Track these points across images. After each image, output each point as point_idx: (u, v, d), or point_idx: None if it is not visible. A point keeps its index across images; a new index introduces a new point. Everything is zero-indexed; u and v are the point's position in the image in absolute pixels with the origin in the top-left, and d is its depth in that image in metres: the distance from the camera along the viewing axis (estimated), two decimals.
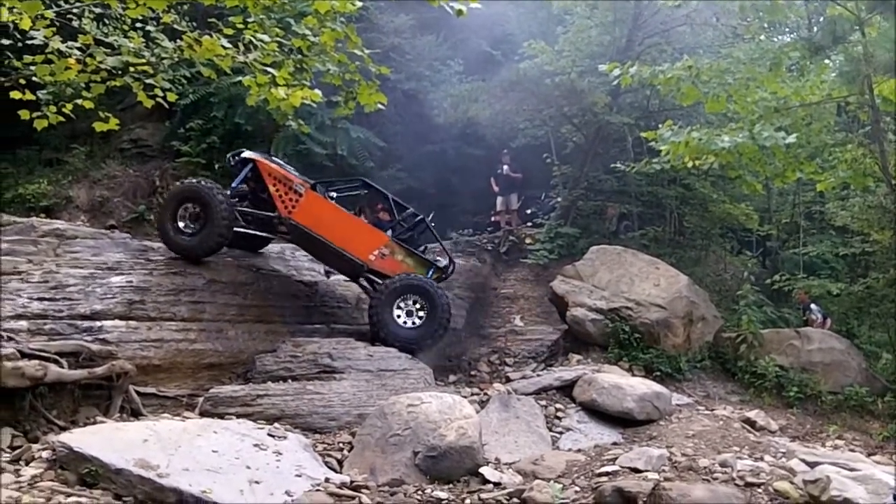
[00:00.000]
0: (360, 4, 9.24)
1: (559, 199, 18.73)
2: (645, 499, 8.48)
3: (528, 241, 18.27)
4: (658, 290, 13.99)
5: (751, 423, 11.81)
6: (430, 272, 13.36)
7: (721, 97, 12.06)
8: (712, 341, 14.30)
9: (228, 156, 14.12)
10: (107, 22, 12.45)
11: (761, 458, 9.89)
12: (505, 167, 19.44)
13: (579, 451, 10.60)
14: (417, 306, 12.82)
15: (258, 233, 13.77)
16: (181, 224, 12.80)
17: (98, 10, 11.82)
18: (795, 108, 12.33)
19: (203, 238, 12.62)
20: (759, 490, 8.80)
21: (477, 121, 19.23)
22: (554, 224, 18.02)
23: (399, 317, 12.79)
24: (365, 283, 13.66)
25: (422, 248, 13.89)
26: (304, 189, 13.07)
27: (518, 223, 19.45)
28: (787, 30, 18.63)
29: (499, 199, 19.59)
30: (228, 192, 12.98)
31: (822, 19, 14.52)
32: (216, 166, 17.39)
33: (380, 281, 13.04)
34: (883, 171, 12.48)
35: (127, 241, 13.47)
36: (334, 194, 13.66)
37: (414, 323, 12.78)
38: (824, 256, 18.58)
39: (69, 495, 7.62)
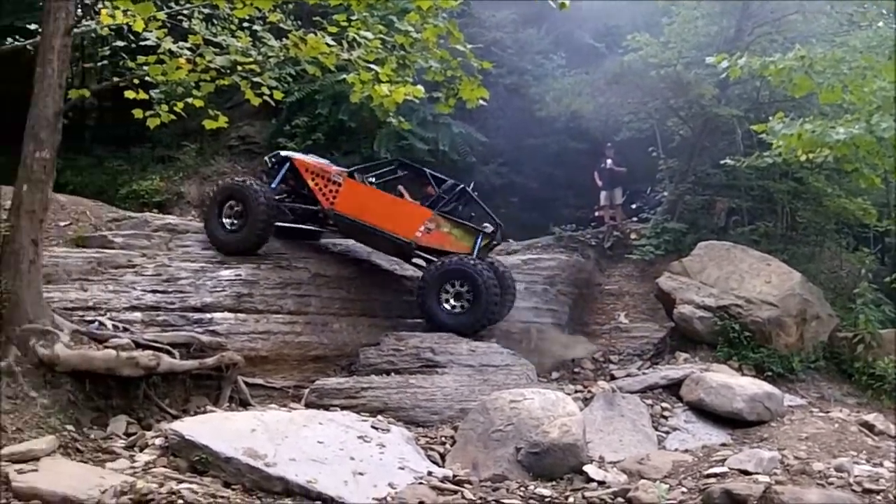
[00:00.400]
0: None
1: (665, 194, 18.38)
2: (755, 502, 8.24)
3: (633, 236, 17.97)
4: (769, 288, 13.57)
5: (869, 426, 11.32)
6: (479, 239, 13.23)
7: (836, 87, 11.58)
8: (827, 341, 13.80)
9: (266, 158, 14.39)
10: (215, 22, 12.71)
11: (880, 464, 9.51)
12: (608, 161, 19.17)
13: (686, 451, 10.41)
14: (465, 289, 12.70)
15: (309, 227, 14.00)
16: (226, 221, 13.08)
17: (207, 11, 12.10)
18: None
19: (244, 235, 12.88)
20: (879, 497, 8.47)
21: (580, 114, 19.00)
22: (660, 219, 17.69)
23: (448, 300, 12.73)
24: (422, 263, 13.61)
25: (471, 215, 13.79)
26: (342, 178, 13.20)
27: (623, 218, 19.15)
28: None
29: (602, 194, 19.31)
30: (270, 190, 13.19)
31: None
32: None
33: (435, 259, 13.02)
34: None
35: None
36: (373, 179, 13.73)
37: (463, 307, 12.72)
38: None
39: (181, 481, 7.84)
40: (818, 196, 17.35)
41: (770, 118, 11.93)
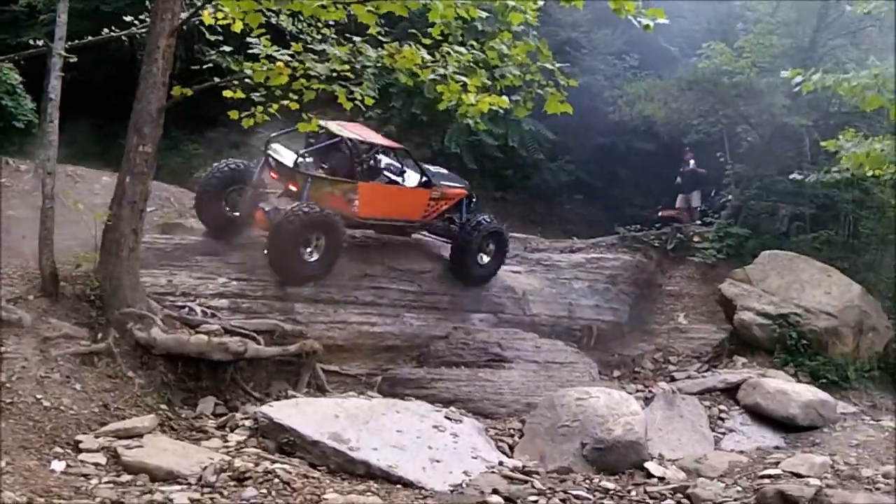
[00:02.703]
0: (541, 3, 9.29)
1: (730, 198, 18.47)
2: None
3: (696, 239, 18.04)
4: (829, 298, 13.96)
5: None
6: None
7: None
8: (882, 352, 14.11)
9: None
10: (310, 24, 13.04)
11: None
12: (691, 162, 19.39)
13: (741, 452, 10.83)
14: None
15: None
16: None
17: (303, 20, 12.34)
18: None
19: None
20: None
21: (651, 117, 19.20)
22: (724, 223, 17.80)
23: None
24: None
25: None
26: None
27: (689, 221, 19.19)
28: None
29: (680, 196, 19.57)
30: None
31: None
32: None
33: None
34: None
35: None
36: None
37: None
38: None
39: (273, 461, 8.46)
40: (882, 206, 17.41)
41: (840, 128, 12.13)
